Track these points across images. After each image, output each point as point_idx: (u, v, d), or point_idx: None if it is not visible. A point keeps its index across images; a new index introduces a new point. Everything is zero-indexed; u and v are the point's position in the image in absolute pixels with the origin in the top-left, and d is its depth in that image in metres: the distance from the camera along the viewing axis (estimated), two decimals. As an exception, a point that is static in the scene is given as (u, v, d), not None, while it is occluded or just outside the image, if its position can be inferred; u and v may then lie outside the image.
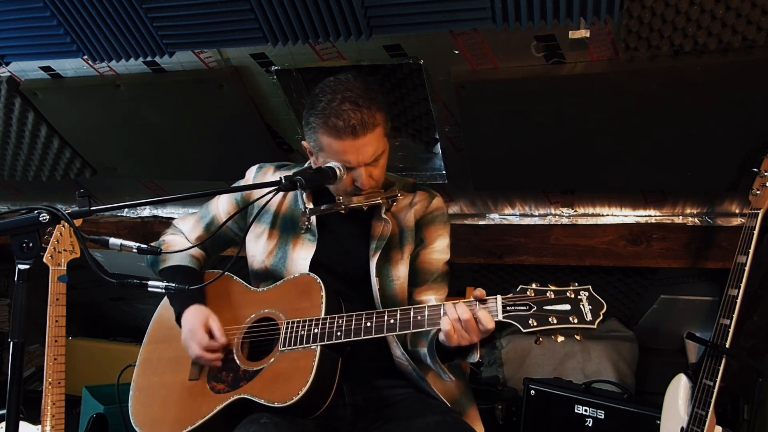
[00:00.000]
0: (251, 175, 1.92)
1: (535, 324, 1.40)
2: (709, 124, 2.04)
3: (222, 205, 1.93)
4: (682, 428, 1.97)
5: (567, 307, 1.40)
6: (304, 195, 1.81)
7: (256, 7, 1.90)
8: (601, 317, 1.38)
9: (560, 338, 1.40)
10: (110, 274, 2.43)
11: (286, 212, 1.85)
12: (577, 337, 1.40)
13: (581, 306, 1.39)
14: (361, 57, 2.12)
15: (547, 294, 1.42)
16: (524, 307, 1.42)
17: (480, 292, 1.47)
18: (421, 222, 1.82)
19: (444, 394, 1.72)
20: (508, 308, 1.44)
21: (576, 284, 1.43)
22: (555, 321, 1.39)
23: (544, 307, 1.41)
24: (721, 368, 1.91)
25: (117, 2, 1.98)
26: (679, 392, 2.02)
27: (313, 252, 1.77)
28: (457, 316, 1.44)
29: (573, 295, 1.41)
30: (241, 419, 1.58)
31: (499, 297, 1.46)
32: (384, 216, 1.75)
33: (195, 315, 1.71)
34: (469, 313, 1.44)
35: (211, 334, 1.68)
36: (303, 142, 1.76)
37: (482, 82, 2.05)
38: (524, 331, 1.40)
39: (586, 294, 1.41)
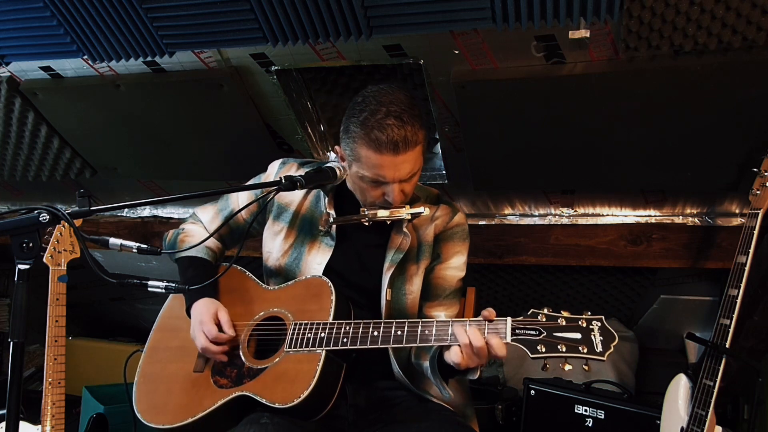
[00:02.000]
0: (274, 170, 1.88)
1: (543, 350, 1.37)
2: (709, 124, 2.04)
3: (242, 199, 1.91)
4: (682, 428, 1.97)
5: (578, 335, 1.36)
6: (327, 199, 1.78)
7: (256, 7, 1.90)
8: (612, 350, 1.35)
9: (567, 366, 1.37)
10: (110, 274, 2.43)
11: (306, 213, 1.83)
12: (585, 368, 1.37)
13: (592, 336, 1.36)
14: (361, 57, 2.12)
15: (559, 320, 1.39)
16: (534, 332, 1.39)
17: (489, 312, 1.44)
18: (440, 237, 1.79)
19: (447, 403, 1.72)
20: (517, 331, 1.40)
21: (589, 313, 1.40)
22: (564, 349, 1.35)
23: (554, 334, 1.38)
24: (721, 368, 1.90)
25: (117, 2, 1.98)
26: (679, 392, 2.02)
27: (328, 258, 1.75)
28: (468, 342, 1.41)
29: (585, 324, 1.38)
30: (242, 416, 1.58)
31: (509, 319, 1.42)
32: (405, 229, 1.73)
33: (205, 306, 1.71)
34: (482, 340, 1.40)
35: (219, 327, 1.68)
36: (336, 147, 1.72)
37: (482, 82, 2.05)
38: (531, 356, 1.37)
39: (599, 324, 1.37)
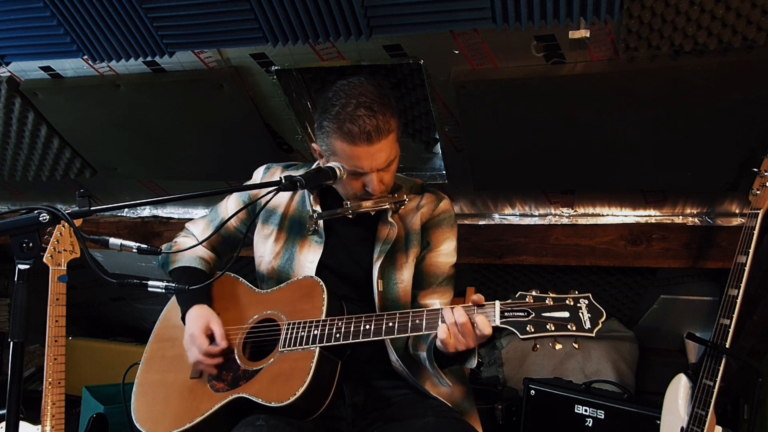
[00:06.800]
0: (258, 176, 1.91)
1: (532, 330, 1.39)
2: (709, 124, 2.04)
3: (231, 207, 1.93)
4: (682, 428, 1.97)
5: (566, 314, 1.39)
6: (312, 197, 1.80)
7: (256, 7, 1.90)
8: (600, 326, 1.37)
9: (558, 345, 1.39)
10: (110, 274, 2.43)
11: (294, 213, 1.85)
12: (575, 345, 1.39)
13: (580, 314, 1.39)
14: (361, 57, 2.12)
15: (546, 301, 1.42)
16: (522, 314, 1.41)
17: (479, 297, 1.46)
18: (427, 225, 1.81)
19: (445, 397, 1.72)
20: (506, 314, 1.43)
21: (576, 292, 1.42)
22: (552, 328, 1.38)
23: (543, 314, 1.40)
24: (721, 368, 1.90)
25: (117, 2, 1.98)
26: (679, 392, 2.02)
27: (319, 255, 1.77)
28: (453, 320, 1.43)
29: (572, 303, 1.40)
30: (239, 418, 1.58)
31: (497, 302, 1.45)
32: (390, 219, 1.74)
33: (198, 318, 1.71)
34: (465, 317, 1.43)
35: (212, 338, 1.69)
36: (313, 145, 1.75)
37: (482, 82, 2.05)
38: (521, 337, 1.39)
39: (586, 302, 1.40)
